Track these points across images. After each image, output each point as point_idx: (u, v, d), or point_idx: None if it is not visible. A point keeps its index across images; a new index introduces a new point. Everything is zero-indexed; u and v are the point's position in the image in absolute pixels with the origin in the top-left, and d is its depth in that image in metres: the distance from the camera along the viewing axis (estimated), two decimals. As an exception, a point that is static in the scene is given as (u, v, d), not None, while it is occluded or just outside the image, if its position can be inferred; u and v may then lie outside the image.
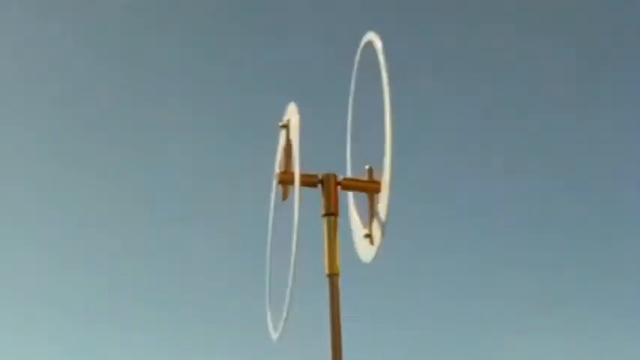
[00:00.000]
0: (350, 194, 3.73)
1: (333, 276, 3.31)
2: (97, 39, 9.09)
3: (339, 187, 3.47)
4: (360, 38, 3.71)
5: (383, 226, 3.21)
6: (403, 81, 3.90)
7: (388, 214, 3.21)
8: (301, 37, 9.07)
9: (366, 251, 3.41)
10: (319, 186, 3.43)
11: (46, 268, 8.85)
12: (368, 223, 3.37)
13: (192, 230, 8.69)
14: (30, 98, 9.07)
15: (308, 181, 3.44)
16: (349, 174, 3.59)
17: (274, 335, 3.26)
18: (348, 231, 3.49)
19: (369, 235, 3.34)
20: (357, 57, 3.86)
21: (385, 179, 3.25)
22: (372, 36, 3.63)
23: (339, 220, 3.44)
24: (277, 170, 3.47)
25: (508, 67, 8.98)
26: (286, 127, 3.49)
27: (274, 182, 3.56)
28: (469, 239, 8.87)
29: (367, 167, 3.46)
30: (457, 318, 8.45)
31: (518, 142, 9.09)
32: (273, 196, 3.82)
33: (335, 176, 3.44)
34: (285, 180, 3.46)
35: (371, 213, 3.35)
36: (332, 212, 3.41)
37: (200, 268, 8.57)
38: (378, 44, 3.43)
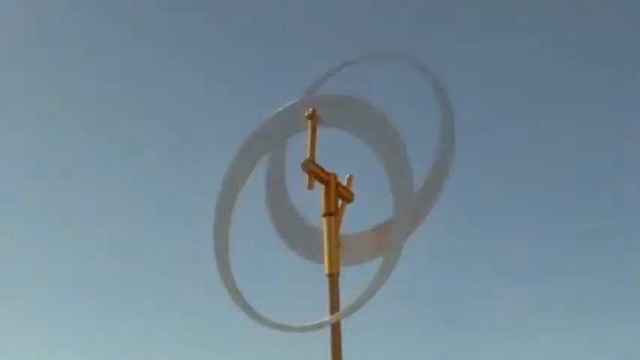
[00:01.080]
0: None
1: (333, 276, 3.30)
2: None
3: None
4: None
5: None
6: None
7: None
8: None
9: (309, 245, 3.47)
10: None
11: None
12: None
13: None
14: (30, 97, 9.08)
15: (321, 177, 3.42)
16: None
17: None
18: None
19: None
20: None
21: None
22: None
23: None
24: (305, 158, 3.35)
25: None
26: (312, 117, 3.43)
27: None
28: (470, 243, 8.87)
29: (347, 176, 3.44)
30: (454, 322, 8.46)
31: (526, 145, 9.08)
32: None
33: (336, 177, 3.42)
34: (311, 170, 3.40)
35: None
36: (332, 212, 3.40)
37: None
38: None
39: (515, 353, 8.08)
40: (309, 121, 3.50)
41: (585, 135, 9.10)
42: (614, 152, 9.09)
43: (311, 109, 3.49)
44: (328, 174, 3.47)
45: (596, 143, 9.09)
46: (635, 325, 8.22)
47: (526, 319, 8.51)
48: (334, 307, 3.28)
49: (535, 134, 9.13)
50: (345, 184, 3.54)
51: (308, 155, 3.44)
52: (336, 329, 3.26)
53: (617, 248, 8.67)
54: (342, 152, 3.74)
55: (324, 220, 3.45)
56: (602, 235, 8.77)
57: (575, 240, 8.91)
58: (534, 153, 9.03)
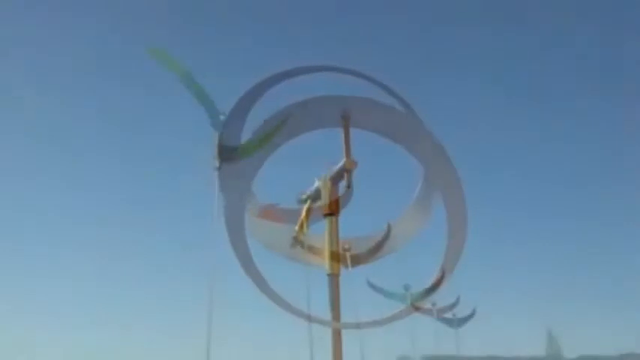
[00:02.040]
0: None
1: (333, 276, 3.35)
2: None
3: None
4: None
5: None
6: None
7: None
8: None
9: (281, 243, 3.57)
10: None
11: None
12: (299, 226, 3.46)
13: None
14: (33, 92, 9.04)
15: (338, 176, 3.51)
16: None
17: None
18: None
19: (295, 239, 3.46)
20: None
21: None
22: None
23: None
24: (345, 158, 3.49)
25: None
26: (346, 119, 3.51)
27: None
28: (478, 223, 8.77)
29: (319, 179, 3.50)
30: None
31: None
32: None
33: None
34: (351, 170, 3.52)
35: (306, 219, 3.46)
36: (333, 212, 3.45)
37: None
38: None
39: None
40: (344, 122, 3.57)
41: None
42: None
43: (345, 111, 3.55)
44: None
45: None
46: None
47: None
48: (335, 305, 3.35)
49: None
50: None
51: (347, 156, 3.57)
52: (336, 333, 3.33)
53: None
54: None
55: (325, 219, 3.52)
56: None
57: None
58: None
